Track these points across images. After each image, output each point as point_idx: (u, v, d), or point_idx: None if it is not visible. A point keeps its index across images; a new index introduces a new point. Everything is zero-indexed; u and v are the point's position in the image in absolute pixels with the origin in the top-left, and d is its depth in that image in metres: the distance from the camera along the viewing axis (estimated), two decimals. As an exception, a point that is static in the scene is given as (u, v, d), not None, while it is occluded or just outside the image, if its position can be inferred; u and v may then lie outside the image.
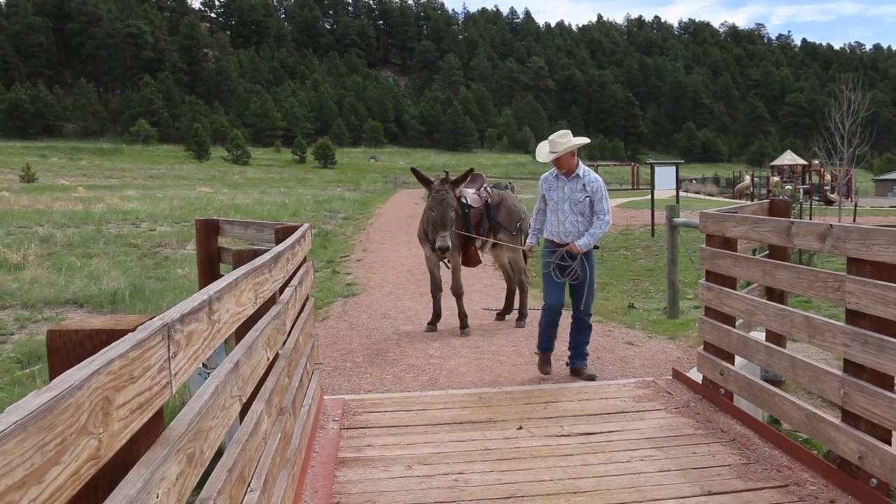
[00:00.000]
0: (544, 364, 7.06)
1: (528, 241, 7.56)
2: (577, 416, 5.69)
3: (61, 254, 17.19)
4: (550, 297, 6.98)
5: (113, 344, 1.46)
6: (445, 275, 9.19)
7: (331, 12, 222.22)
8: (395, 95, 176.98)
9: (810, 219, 18.36)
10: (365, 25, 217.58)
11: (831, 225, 4.45)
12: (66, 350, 1.60)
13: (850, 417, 4.19)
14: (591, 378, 6.80)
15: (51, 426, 1.10)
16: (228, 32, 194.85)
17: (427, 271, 9.44)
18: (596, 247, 7.06)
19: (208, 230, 7.27)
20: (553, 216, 6.92)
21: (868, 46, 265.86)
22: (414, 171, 9.03)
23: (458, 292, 9.08)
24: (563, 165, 6.80)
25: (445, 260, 8.98)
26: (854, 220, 22.18)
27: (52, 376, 1.60)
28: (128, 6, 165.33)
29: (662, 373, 7.05)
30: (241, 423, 2.78)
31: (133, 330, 1.59)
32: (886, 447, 3.93)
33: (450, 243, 8.35)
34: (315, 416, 5.30)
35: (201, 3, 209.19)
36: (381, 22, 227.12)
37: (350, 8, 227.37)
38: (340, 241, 22.28)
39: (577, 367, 6.98)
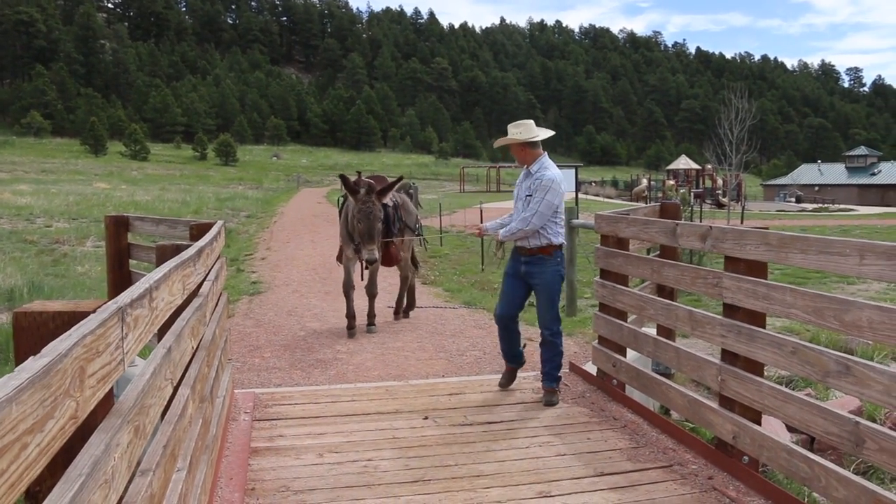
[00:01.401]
0: (504, 376, 6.58)
1: (486, 224, 6.76)
2: (479, 407, 6.01)
3: (-50, 251, 16.67)
4: (501, 305, 6.48)
5: (84, 321, 1.66)
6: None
7: (233, 7, 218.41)
8: (298, 93, 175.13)
9: (700, 221, 19.24)
10: (268, 21, 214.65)
11: (710, 227, 4.87)
12: (32, 329, 1.79)
13: (725, 402, 4.61)
14: (551, 404, 6.02)
15: (48, 385, 1.31)
16: (126, 24, 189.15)
17: (335, 268, 9.70)
18: (548, 251, 6.20)
19: (118, 226, 7.30)
20: (514, 215, 6.44)
21: (757, 57, 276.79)
22: (343, 178, 8.92)
23: (372, 292, 9.24)
24: (518, 158, 6.36)
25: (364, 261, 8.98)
26: (742, 223, 23.26)
27: (18, 353, 1.80)
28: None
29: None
30: (168, 406, 2.97)
31: (93, 311, 1.79)
32: (756, 426, 4.36)
33: (378, 255, 8.40)
34: (228, 408, 5.46)
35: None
36: (285, 18, 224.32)
37: (253, 3, 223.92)
38: (244, 240, 22.18)
39: (544, 388, 6.22)
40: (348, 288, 9.24)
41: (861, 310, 3.48)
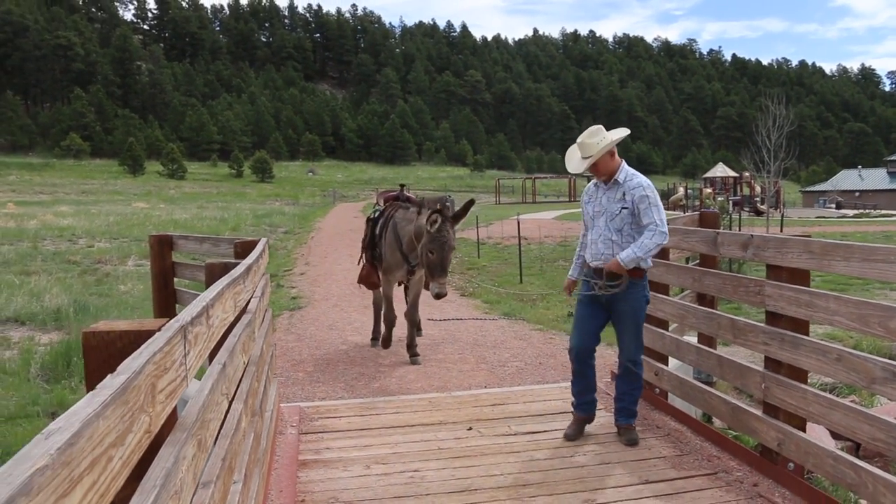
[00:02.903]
0: (572, 427, 5.58)
1: (569, 273, 5.79)
2: (523, 417, 6.04)
3: (-3, 272, 17.04)
4: (576, 336, 5.51)
5: (151, 339, 1.74)
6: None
7: (267, 25, 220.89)
8: (332, 109, 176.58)
9: (738, 229, 19.10)
10: (301, 38, 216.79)
11: (752, 235, 4.88)
12: (100, 348, 1.87)
13: (770, 409, 4.61)
14: (632, 443, 5.34)
15: (126, 401, 1.39)
16: (162, 45, 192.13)
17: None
18: (639, 273, 5.34)
19: (162, 245, 7.44)
20: (589, 234, 5.50)
21: (794, 62, 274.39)
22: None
23: (415, 319, 8.54)
24: (602, 171, 5.33)
25: (406, 283, 8.48)
26: (781, 231, 23.07)
27: (88, 372, 1.89)
28: (56, 17, 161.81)
29: (602, 376, 7.43)
30: (224, 421, 3.05)
31: (157, 330, 1.87)
32: (801, 434, 4.36)
33: (448, 291, 7.75)
34: (275, 421, 5.55)
35: (133, 15, 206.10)
36: (318, 35, 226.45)
37: (286, 21, 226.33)
38: (282, 255, 22.40)
39: (620, 426, 5.51)
40: (391, 319, 8.62)
41: (907, 316, 3.47)
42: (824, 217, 50.71)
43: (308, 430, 5.81)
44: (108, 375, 1.42)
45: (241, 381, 3.48)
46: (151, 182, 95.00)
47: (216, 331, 2.68)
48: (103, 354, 1.85)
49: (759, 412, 4.75)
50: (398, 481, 4.75)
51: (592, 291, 5.38)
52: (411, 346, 8.36)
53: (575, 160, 5.42)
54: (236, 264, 4.05)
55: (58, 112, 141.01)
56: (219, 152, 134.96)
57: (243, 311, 3.81)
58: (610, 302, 5.35)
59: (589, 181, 5.83)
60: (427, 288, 8.33)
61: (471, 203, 7.93)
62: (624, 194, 5.25)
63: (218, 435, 2.72)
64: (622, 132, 5.44)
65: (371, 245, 8.74)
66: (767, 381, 4.58)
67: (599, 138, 5.27)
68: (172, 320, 2.03)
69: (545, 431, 5.68)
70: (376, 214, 8.86)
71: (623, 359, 5.49)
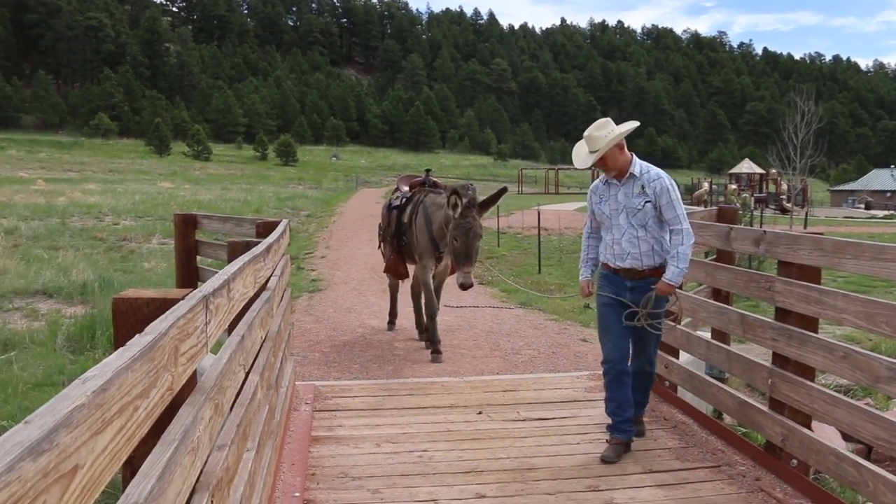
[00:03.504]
0: (610, 450, 5.00)
1: (581, 275, 5.44)
2: (532, 404, 6.15)
3: (28, 246, 17.33)
4: (609, 346, 5.10)
5: (176, 306, 1.87)
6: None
7: (294, 9, 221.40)
8: (357, 94, 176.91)
9: (760, 226, 19.05)
10: (328, 23, 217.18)
11: (764, 231, 4.95)
12: (129, 313, 2.00)
13: (775, 404, 4.68)
14: (639, 434, 5.26)
15: (152, 358, 1.51)
16: (190, 27, 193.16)
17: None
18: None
19: (187, 224, 7.61)
20: (607, 235, 5.13)
21: (828, 57, 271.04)
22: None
23: (433, 312, 8.03)
24: (611, 166, 5.04)
25: (433, 272, 8.05)
26: (804, 228, 22.97)
27: (117, 335, 2.02)
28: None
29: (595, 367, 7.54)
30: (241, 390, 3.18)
31: (182, 298, 2.00)
32: (806, 430, 4.43)
33: (473, 281, 7.29)
34: (290, 398, 5.69)
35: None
36: (345, 20, 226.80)
37: (314, 5, 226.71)
38: (304, 239, 22.60)
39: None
40: (433, 308, 8.01)
41: (912, 315, 3.54)
42: (852, 217, 50.31)
43: (322, 408, 5.96)
44: (137, 335, 1.55)
45: (259, 355, 3.61)
46: (177, 163, 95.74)
47: (236, 304, 2.81)
48: (131, 319, 1.98)
49: (764, 407, 4.83)
50: (407, 460, 4.88)
51: (632, 317, 5.01)
52: (435, 342, 7.99)
53: (581, 155, 5.13)
54: (257, 243, 4.18)
55: (87, 92, 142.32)
56: (244, 135, 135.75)
57: (263, 287, 3.94)
58: (636, 303, 5.01)
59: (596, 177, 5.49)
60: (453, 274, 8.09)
61: (503, 191, 7.66)
62: (643, 187, 4.97)
63: (234, 403, 2.85)
64: (631, 125, 5.20)
65: (398, 233, 8.37)
66: (774, 376, 4.65)
67: (607, 131, 5.01)
68: (196, 290, 2.15)
69: (554, 418, 5.78)
70: (402, 201, 8.46)
71: (641, 361, 5.28)
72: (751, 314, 5.15)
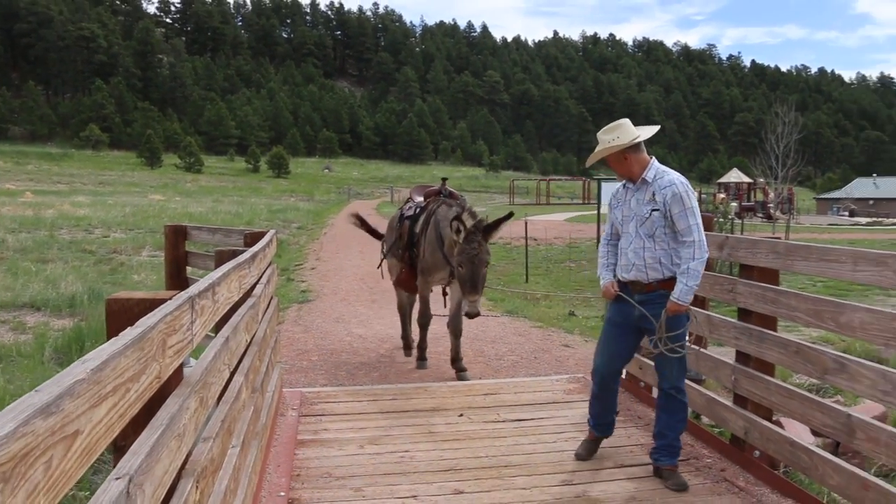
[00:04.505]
0: (583, 445, 5.15)
1: (602, 281, 5.00)
2: (512, 406, 6.37)
3: (15, 259, 17.43)
4: (599, 355, 5.03)
5: (163, 305, 2.08)
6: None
7: (288, 21, 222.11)
8: (350, 106, 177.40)
9: (741, 234, 19.33)
10: (322, 35, 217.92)
11: (727, 236, 5.21)
12: (121, 312, 2.22)
13: (738, 399, 4.93)
14: (682, 488, 4.59)
15: (142, 347, 1.73)
16: (184, 38, 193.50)
17: (382, 278, 8.98)
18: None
19: (177, 235, 7.81)
20: (620, 242, 4.90)
21: (813, 69, 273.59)
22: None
23: (458, 329, 7.77)
24: (616, 169, 4.84)
25: (446, 290, 8.02)
26: (787, 236, 23.27)
27: (110, 332, 2.24)
28: (80, 8, 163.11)
29: (576, 369, 7.78)
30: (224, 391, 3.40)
31: (170, 299, 2.22)
32: (766, 423, 4.67)
33: (480, 309, 6.94)
34: (276, 403, 5.90)
35: (157, 8, 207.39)
36: (339, 32, 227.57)
37: (307, 17, 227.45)
38: (294, 250, 22.81)
39: (660, 468, 4.77)
40: (426, 320, 7.99)
41: (854, 312, 3.79)
42: (836, 224, 50.77)
43: (308, 413, 6.16)
44: (129, 327, 1.76)
45: (244, 358, 3.83)
46: (168, 175, 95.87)
47: (221, 307, 3.03)
48: (123, 318, 2.19)
49: (729, 402, 5.07)
50: (389, 460, 5.08)
51: (652, 345, 4.74)
52: (456, 361, 7.65)
53: (592, 156, 4.93)
54: (244, 251, 4.40)
55: (78, 103, 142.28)
56: (236, 147, 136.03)
57: (248, 294, 4.16)
58: (644, 320, 4.72)
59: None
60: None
61: (508, 217, 7.23)
62: (654, 195, 4.65)
63: (219, 400, 3.07)
64: (647, 131, 4.85)
65: (410, 244, 8.03)
66: (737, 373, 4.90)
67: (613, 136, 4.73)
68: (183, 292, 2.37)
69: (532, 419, 6.00)
70: (416, 211, 8.14)
71: (665, 386, 4.82)
72: (716, 315, 5.39)
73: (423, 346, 8.11)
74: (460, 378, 7.42)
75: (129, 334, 1.69)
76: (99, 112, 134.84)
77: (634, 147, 4.72)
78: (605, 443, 5.35)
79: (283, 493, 4.45)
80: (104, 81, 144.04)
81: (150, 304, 2.20)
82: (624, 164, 4.73)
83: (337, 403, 6.48)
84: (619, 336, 4.91)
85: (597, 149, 4.79)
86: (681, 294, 4.53)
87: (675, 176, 4.72)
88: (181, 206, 41.37)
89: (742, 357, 4.88)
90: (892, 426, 5.77)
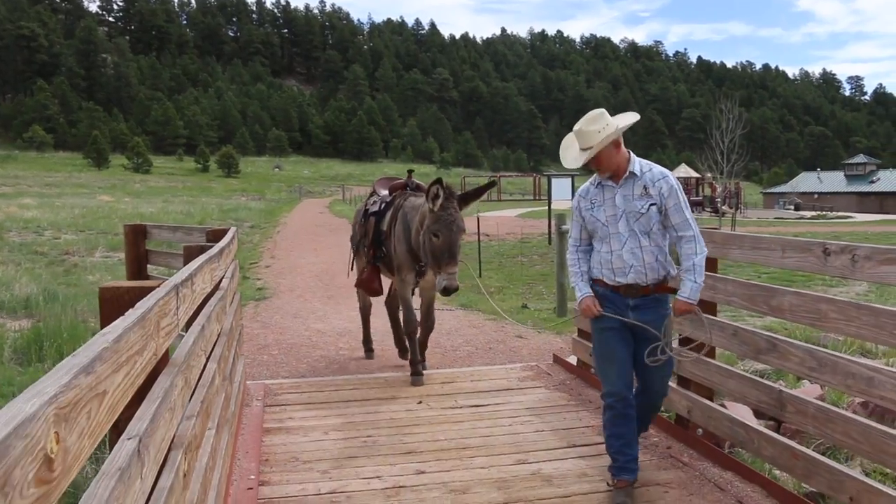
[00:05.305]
0: (618, 496, 4.28)
1: (579, 294, 4.46)
2: (469, 393, 6.63)
3: (-37, 262, 17.23)
4: (611, 377, 4.36)
5: (155, 291, 2.29)
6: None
7: (234, 19, 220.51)
8: (299, 105, 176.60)
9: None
10: (269, 34, 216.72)
11: (670, 227, 5.51)
12: (113, 300, 2.43)
13: (682, 381, 5.24)
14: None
15: (143, 326, 1.94)
16: (128, 38, 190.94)
17: (337, 274, 9.31)
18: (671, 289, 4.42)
19: (136, 234, 7.95)
20: (602, 246, 4.37)
21: (758, 66, 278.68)
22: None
23: (431, 324, 7.61)
24: (606, 165, 4.32)
25: (413, 286, 7.28)
26: (732, 229, 23.89)
27: (103, 317, 2.44)
28: (19, 7, 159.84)
29: (546, 360, 8.07)
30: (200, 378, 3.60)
31: (158, 286, 2.43)
32: (707, 402, 4.99)
33: (458, 283, 6.28)
34: (242, 394, 6.09)
35: (99, 7, 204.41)
36: (286, 30, 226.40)
37: (254, 15, 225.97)
38: (248, 249, 22.82)
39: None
40: (413, 326, 7.19)
41: (783, 295, 4.12)
42: (782, 218, 51.93)
43: (272, 403, 6.36)
44: (129, 310, 1.97)
45: (216, 346, 4.03)
46: (116, 176, 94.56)
47: (197, 297, 3.24)
48: (115, 305, 2.40)
49: (674, 384, 5.38)
50: (353, 444, 5.31)
51: (655, 352, 4.29)
52: (416, 363, 7.10)
53: (572, 153, 4.40)
54: (211, 247, 4.59)
55: (20, 104, 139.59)
56: (185, 147, 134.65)
57: (217, 287, 4.36)
58: (636, 325, 4.32)
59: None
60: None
61: (490, 185, 6.97)
62: (645, 188, 4.25)
63: (198, 384, 3.27)
64: (630, 117, 4.48)
65: (376, 242, 7.42)
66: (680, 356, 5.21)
67: (601, 125, 4.24)
68: (168, 280, 2.58)
69: (488, 405, 6.26)
70: (381, 206, 7.55)
71: (651, 396, 4.57)
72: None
73: (415, 357, 7.11)
74: (414, 383, 6.93)
75: (132, 314, 1.90)
76: (42, 113, 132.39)
77: (619, 139, 4.33)
78: (559, 425, 5.63)
79: (252, 477, 4.64)
80: (46, 81, 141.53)
81: (140, 292, 2.41)
82: (615, 156, 4.27)
83: (300, 394, 6.68)
84: (620, 341, 4.34)
85: (592, 141, 4.22)
86: (691, 293, 4.22)
87: (662, 168, 4.40)
88: (131, 206, 40.99)
89: (685, 341, 5.18)
90: (830, 404, 6.16)
